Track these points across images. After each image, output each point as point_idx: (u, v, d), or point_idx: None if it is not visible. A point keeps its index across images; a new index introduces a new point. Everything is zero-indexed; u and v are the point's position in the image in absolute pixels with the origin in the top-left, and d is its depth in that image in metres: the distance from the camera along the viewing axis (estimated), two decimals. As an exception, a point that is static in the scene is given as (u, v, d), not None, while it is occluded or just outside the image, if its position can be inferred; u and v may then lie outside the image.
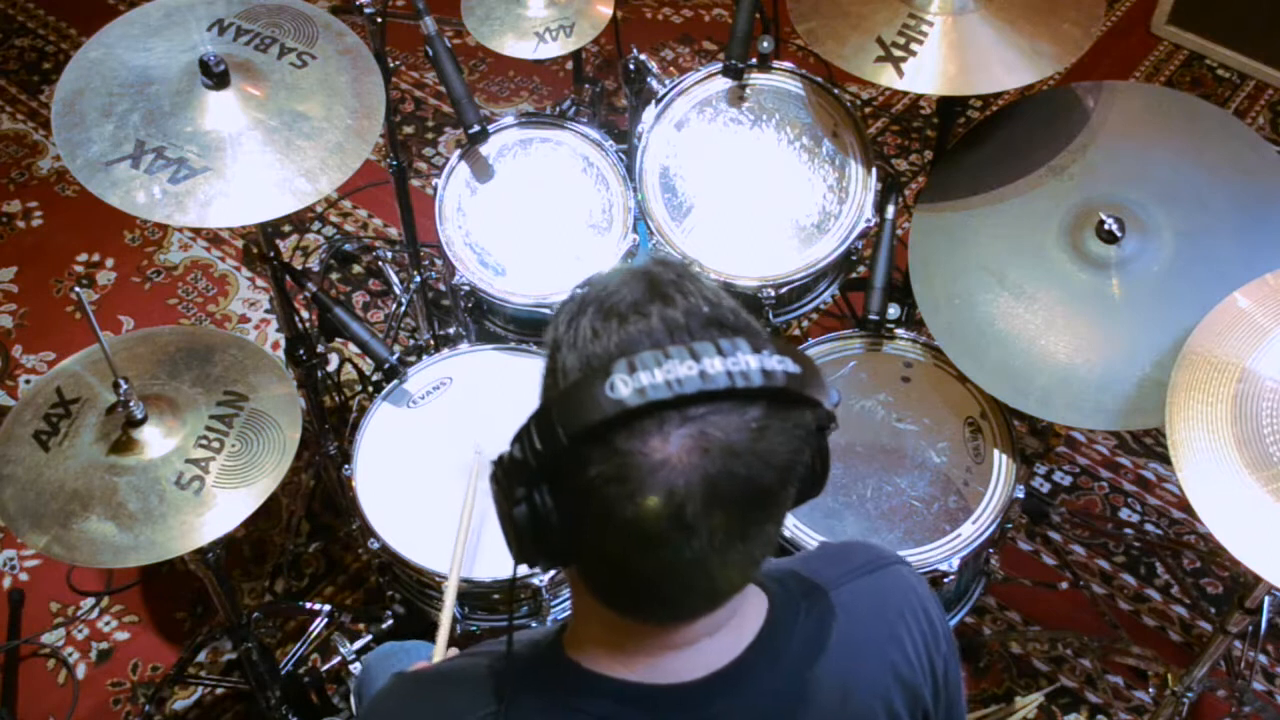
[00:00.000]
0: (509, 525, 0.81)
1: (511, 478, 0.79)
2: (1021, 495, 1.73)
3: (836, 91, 1.96)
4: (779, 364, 0.75)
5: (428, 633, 1.60)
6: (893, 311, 1.86)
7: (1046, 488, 2.42)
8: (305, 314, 1.98)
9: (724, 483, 0.74)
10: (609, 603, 0.84)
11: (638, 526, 0.75)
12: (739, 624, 0.89)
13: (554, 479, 0.77)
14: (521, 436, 0.77)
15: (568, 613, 0.93)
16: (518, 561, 0.83)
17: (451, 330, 2.43)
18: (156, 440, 1.50)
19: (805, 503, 0.88)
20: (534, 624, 1.75)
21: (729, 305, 0.80)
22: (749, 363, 0.74)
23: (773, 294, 1.88)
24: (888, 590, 1.00)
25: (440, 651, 1.39)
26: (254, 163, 1.52)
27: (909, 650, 0.97)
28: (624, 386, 0.72)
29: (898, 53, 1.74)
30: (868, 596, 0.98)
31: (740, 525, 0.78)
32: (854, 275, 2.09)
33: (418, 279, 2.42)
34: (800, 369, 0.77)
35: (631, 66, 2.10)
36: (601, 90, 2.61)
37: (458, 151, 1.98)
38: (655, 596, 0.82)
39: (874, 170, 1.92)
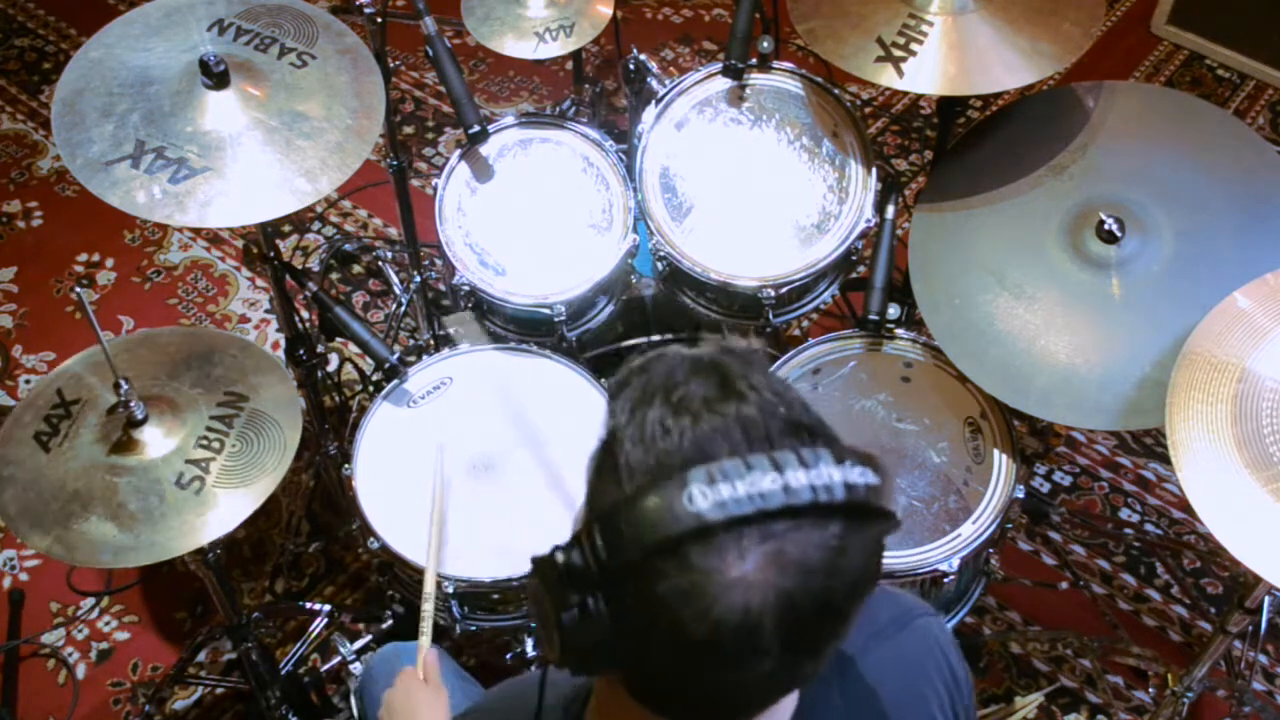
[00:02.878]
0: (555, 634, 0.73)
1: (565, 584, 0.72)
2: (1021, 495, 1.73)
3: (836, 91, 1.96)
4: (860, 476, 0.70)
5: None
6: (893, 311, 1.86)
7: (1046, 488, 2.42)
8: (305, 314, 1.98)
9: (800, 602, 0.69)
10: (651, 707, 0.79)
11: (705, 647, 0.70)
12: (774, 710, 0.84)
13: (615, 589, 0.71)
14: (581, 541, 0.71)
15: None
16: (559, 666, 0.76)
17: (452, 330, 2.43)
18: (157, 440, 1.50)
19: None
20: (534, 623, 1.75)
21: (799, 402, 0.75)
22: (833, 475, 0.69)
23: (773, 294, 1.88)
24: (915, 652, 0.97)
25: (421, 662, 1.39)
26: (254, 163, 1.52)
27: (935, 711, 0.96)
28: (703, 499, 0.67)
29: (898, 53, 1.74)
30: (897, 661, 0.95)
31: (812, 643, 0.74)
32: (854, 275, 2.08)
33: (418, 279, 2.42)
34: (879, 479, 0.72)
35: (631, 66, 2.10)
36: (601, 90, 2.61)
37: (458, 151, 1.98)
38: (707, 710, 0.78)
39: (874, 170, 1.92)
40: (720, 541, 0.67)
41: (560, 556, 0.72)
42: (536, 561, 0.74)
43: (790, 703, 0.85)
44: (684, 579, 0.68)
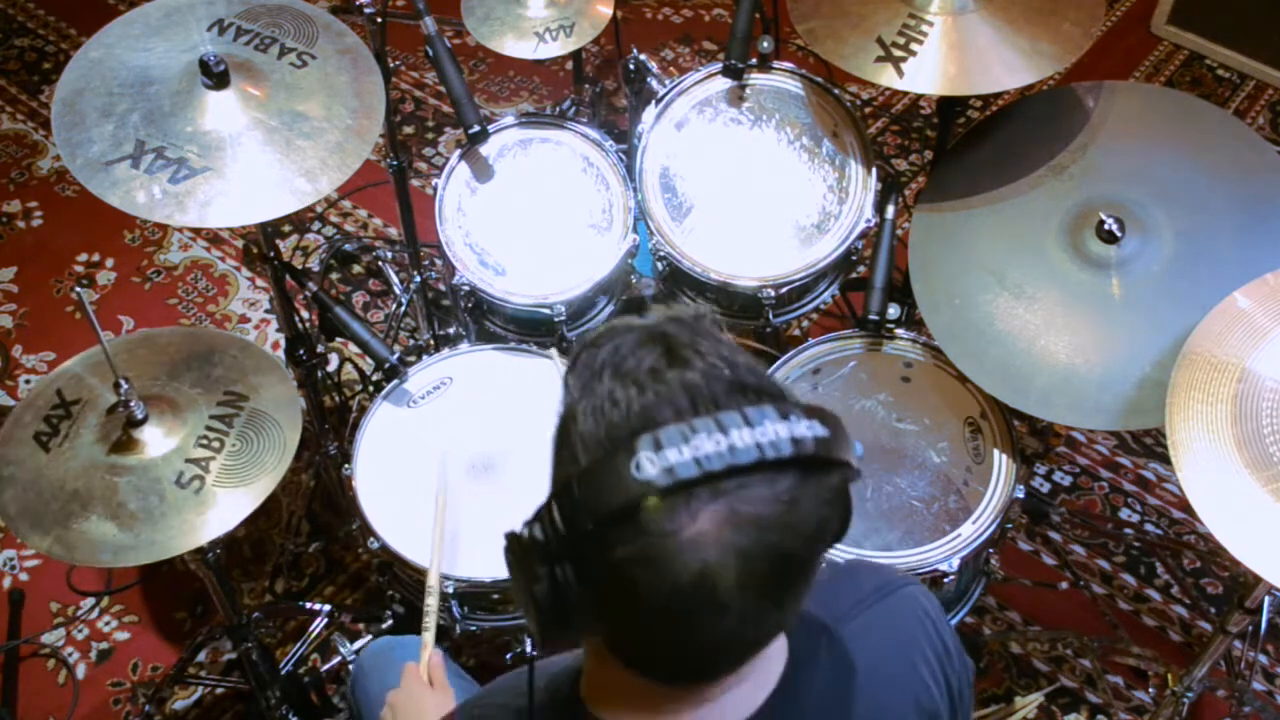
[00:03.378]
0: (530, 605, 0.77)
1: (532, 557, 0.75)
2: (1021, 495, 1.73)
3: (836, 91, 1.96)
4: (808, 429, 0.72)
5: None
6: (893, 311, 1.86)
7: (1046, 488, 2.42)
8: (305, 314, 1.98)
9: (756, 556, 0.71)
10: (634, 668, 0.82)
11: (669, 607, 0.72)
12: (763, 669, 0.86)
13: (577, 559, 0.74)
14: (542, 516, 0.74)
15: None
16: (540, 640, 0.79)
17: (451, 330, 2.43)
18: (157, 440, 1.50)
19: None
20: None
21: (745, 363, 0.77)
22: (778, 431, 0.71)
23: (773, 294, 1.89)
24: (901, 617, 0.99)
25: (425, 659, 1.39)
26: (254, 163, 1.52)
27: (926, 677, 0.96)
28: (650, 466, 0.69)
29: (898, 53, 1.74)
30: (882, 626, 0.97)
31: (773, 595, 0.76)
32: (854, 275, 2.08)
33: (418, 279, 2.43)
34: (828, 431, 0.74)
35: (631, 66, 2.10)
36: (601, 90, 2.61)
37: (458, 151, 1.98)
38: (685, 665, 0.80)
39: (874, 170, 1.92)
40: (671, 504, 0.70)
41: (525, 531, 0.75)
42: (507, 537, 0.78)
43: (780, 658, 0.88)
44: (639, 544, 0.70)
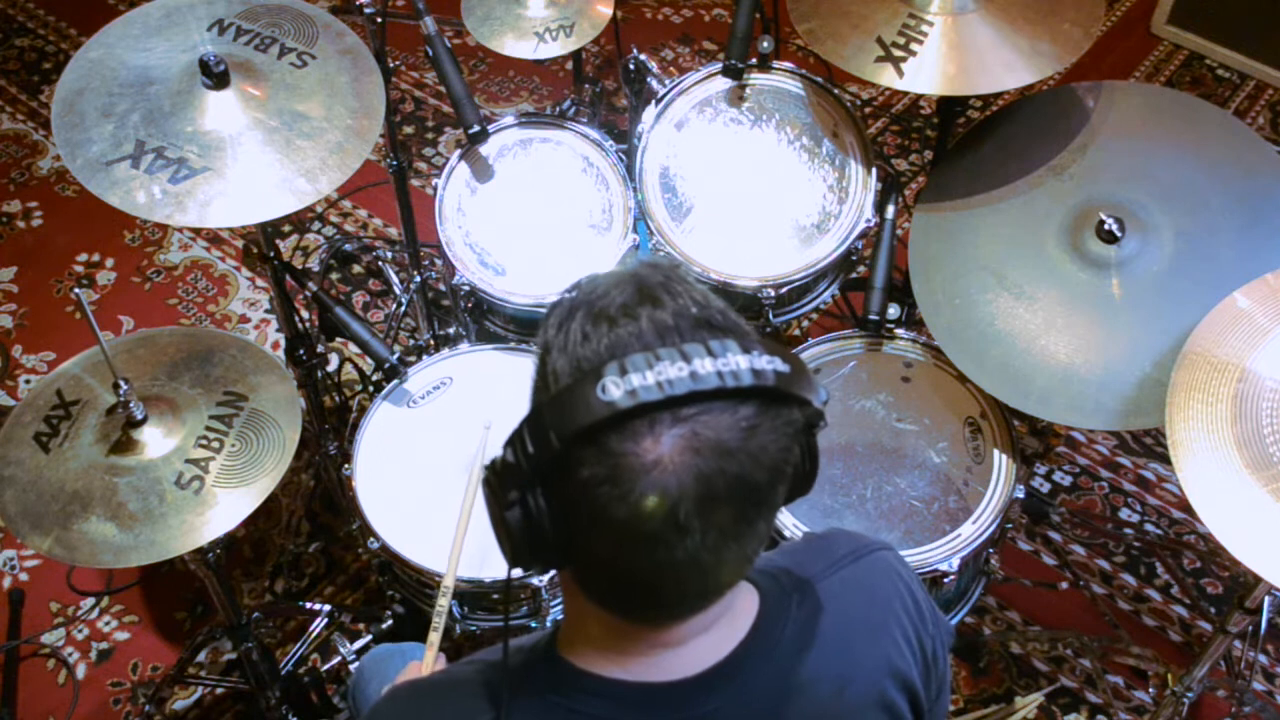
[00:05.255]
0: (502, 529, 0.81)
1: (504, 481, 0.79)
2: (1021, 495, 1.73)
3: (836, 91, 1.96)
4: (768, 363, 0.76)
5: (426, 633, 1.60)
6: (893, 311, 1.86)
7: (1046, 488, 2.42)
8: (305, 314, 1.98)
9: (716, 481, 0.74)
10: (603, 603, 0.85)
11: (631, 527, 0.75)
12: (731, 620, 0.89)
13: (547, 482, 0.78)
14: (514, 440, 0.78)
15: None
16: (512, 565, 0.83)
17: (451, 330, 2.43)
18: (156, 440, 1.50)
19: (796, 500, 0.89)
20: (533, 624, 1.75)
21: (717, 306, 0.81)
22: (739, 363, 0.75)
23: (773, 294, 1.89)
24: (874, 577, 1.01)
25: (430, 659, 1.38)
26: (254, 163, 1.52)
27: (898, 636, 0.98)
28: (615, 389, 0.73)
29: (898, 53, 1.74)
30: (855, 586, 0.99)
31: (733, 523, 0.78)
32: (854, 275, 2.08)
33: (418, 279, 2.43)
34: (789, 368, 0.77)
35: (631, 66, 2.10)
36: (601, 90, 2.61)
37: (458, 151, 1.98)
38: (649, 596, 0.83)
39: (874, 170, 1.92)
40: (634, 427, 0.73)
41: (499, 456, 0.79)
42: (486, 466, 0.81)
43: (749, 613, 0.91)
44: (604, 464, 0.74)
